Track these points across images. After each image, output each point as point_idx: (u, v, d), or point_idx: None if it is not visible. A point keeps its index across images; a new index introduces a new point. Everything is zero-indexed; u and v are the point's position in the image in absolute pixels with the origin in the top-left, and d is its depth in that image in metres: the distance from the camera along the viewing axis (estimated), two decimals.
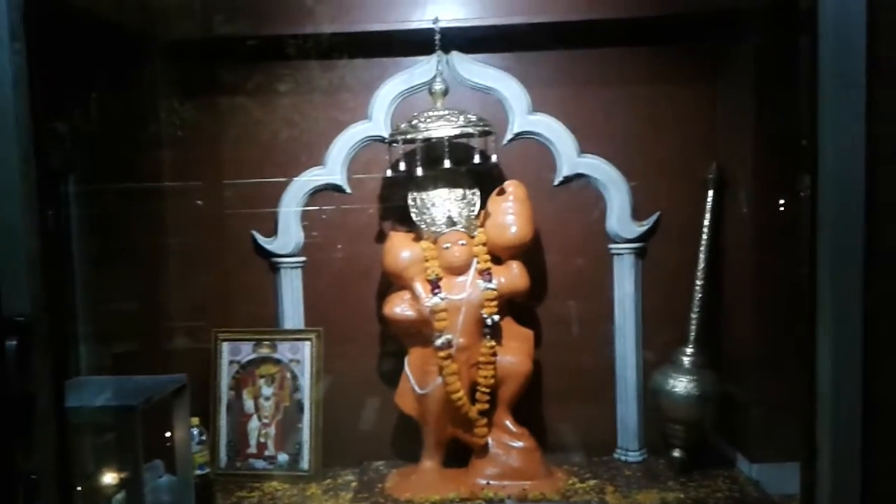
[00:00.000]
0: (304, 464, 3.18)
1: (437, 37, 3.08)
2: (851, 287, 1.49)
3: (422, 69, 3.17)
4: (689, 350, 3.05)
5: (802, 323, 2.65)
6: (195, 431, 2.89)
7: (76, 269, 2.98)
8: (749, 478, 2.98)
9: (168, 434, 2.85)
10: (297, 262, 3.29)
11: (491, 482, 2.94)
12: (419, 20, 3.10)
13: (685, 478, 2.98)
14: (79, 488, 2.67)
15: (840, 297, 1.52)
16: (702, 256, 3.11)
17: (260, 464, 3.21)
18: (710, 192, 3.15)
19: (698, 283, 3.09)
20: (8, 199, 1.45)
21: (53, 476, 1.50)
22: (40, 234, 1.49)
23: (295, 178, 3.25)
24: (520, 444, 3.02)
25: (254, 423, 3.26)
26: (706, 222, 3.14)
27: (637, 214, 3.22)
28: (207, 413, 3.23)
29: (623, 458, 3.22)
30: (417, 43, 3.12)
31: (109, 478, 2.70)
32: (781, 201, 2.94)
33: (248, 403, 3.28)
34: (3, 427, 1.44)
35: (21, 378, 1.46)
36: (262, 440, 3.24)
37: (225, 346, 3.32)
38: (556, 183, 3.23)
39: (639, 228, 3.22)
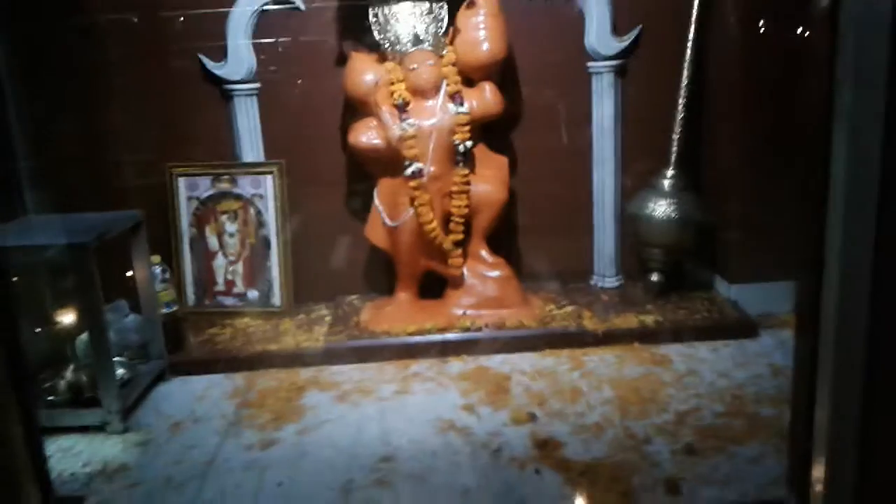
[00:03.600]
0: (276, 300, 3.10)
1: None
2: (874, 96, 1.32)
3: None
4: (669, 173, 2.93)
5: (790, 138, 2.53)
6: (157, 269, 2.76)
7: (13, 110, 2.74)
8: (727, 298, 2.98)
9: (130, 273, 2.73)
10: (251, 89, 3.04)
11: (468, 311, 2.89)
12: None
13: (663, 301, 2.97)
14: (38, 330, 2.58)
15: (861, 109, 1.36)
16: (685, 73, 2.92)
17: (229, 301, 3.12)
18: (696, 2, 2.91)
19: (681, 101, 2.93)
20: None
21: None
22: None
23: None
24: (496, 273, 2.95)
25: (220, 261, 3.13)
26: (691, 35, 2.92)
27: (618, 29, 2.99)
28: (169, 251, 3.09)
29: (600, 284, 3.18)
30: None
31: (71, 319, 2.58)
32: (771, 15, 2.74)
33: (212, 241, 3.14)
34: None
35: None
36: (229, 277, 3.13)
37: (181, 182, 3.13)
38: None
39: (619, 44, 2.99)
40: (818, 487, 1.47)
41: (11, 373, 1.36)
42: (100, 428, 2.40)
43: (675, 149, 2.94)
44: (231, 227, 3.13)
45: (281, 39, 3.02)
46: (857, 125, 1.32)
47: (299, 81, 3.06)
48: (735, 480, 1.91)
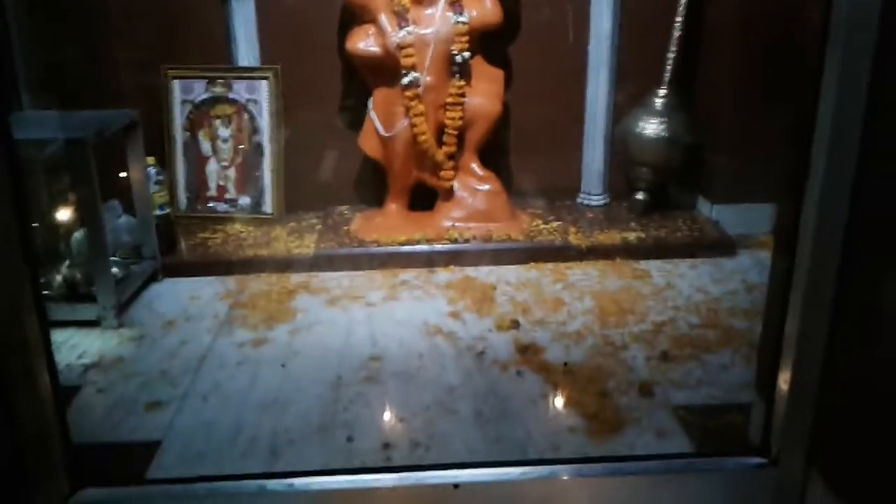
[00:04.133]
0: (267, 207, 3.14)
1: None
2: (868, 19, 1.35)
3: None
4: (661, 92, 2.95)
5: (784, 63, 2.54)
6: (152, 170, 2.78)
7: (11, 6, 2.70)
8: (708, 218, 3.05)
9: (123, 174, 2.75)
10: None
11: (456, 224, 2.95)
12: None
13: (646, 219, 3.03)
14: (35, 225, 2.61)
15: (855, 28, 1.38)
16: None
17: (221, 206, 3.16)
18: None
19: (679, 19, 2.92)
20: None
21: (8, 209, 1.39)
22: None
23: None
24: (486, 186, 3.00)
25: (212, 166, 3.15)
26: None
27: None
28: (163, 155, 3.10)
29: (586, 202, 3.23)
30: None
31: (66, 215, 2.62)
32: None
33: (205, 145, 3.15)
34: None
35: None
36: (221, 183, 3.15)
37: (176, 85, 3.11)
38: None
39: None
40: (783, 389, 1.57)
41: (26, 263, 1.41)
42: (94, 323, 2.46)
43: (669, 68, 2.94)
44: (224, 132, 3.14)
45: None
46: (849, 52, 1.36)
47: None
48: (706, 385, 2.02)
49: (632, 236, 2.89)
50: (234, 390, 2.08)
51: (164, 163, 3.09)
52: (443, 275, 2.75)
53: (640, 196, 3.05)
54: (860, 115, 1.38)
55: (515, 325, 2.37)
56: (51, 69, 2.87)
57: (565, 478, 1.59)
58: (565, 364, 2.14)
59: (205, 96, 3.12)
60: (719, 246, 2.86)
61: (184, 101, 3.13)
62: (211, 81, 3.11)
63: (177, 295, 2.67)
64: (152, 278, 2.77)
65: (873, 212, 1.39)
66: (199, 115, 3.13)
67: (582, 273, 2.72)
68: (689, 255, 2.82)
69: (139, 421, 1.96)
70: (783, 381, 1.57)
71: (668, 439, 1.82)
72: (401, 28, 2.79)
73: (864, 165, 1.38)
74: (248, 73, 3.09)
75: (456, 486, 1.55)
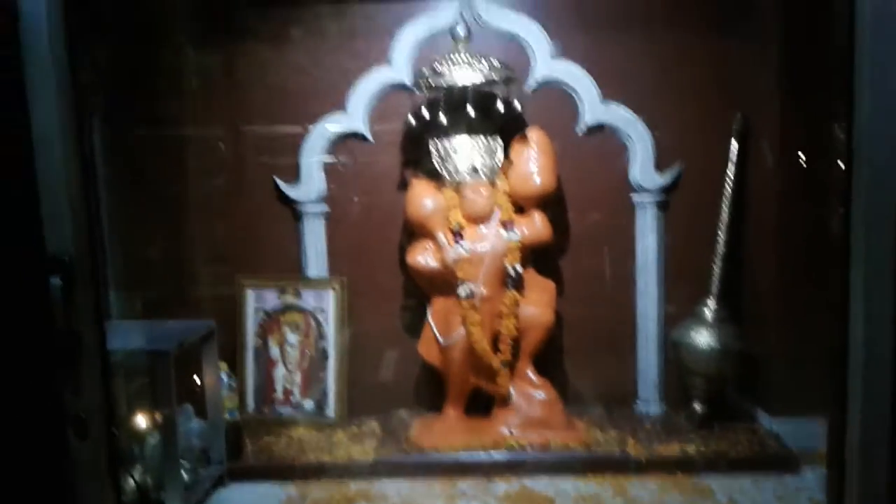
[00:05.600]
0: (330, 411, 3.24)
1: None
2: (886, 239, 1.47)
3: (444, 13, 3.12)
4: (710, 303, 3.05)
5: (826, 276, 2.64)
6: (224, 377, 2.95)
7: (103, 215, 3.01)
8: (769, 431, 3.02)
9: (197, 379, 2.92)
10: (320, 210, 3.30)
11: (514, 431, 2.99)
12: None
13: (705, 431, 3.02)
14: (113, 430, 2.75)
15: (874, 249, 1.50)
16: (725, 208, 3.09)
17: (286, 410, 3.28)
18: (735, 143, 3.12)
19: (721, 235, 3.08)
20: (53, 144, 1.46)
21: (100, 415, 1.54)
22: (83, 177, 1.50)
23: (317, 125, 3.23)
24: (542, 394, 3.06)
25: (280, 370, 3.31)
26: (730, 173, 3.11)
27: (660, 165, 3.20)
28: (233, 360, 3.28)
29: (643, 409, 3.25)
30: None
31: (142, 421, 2.76)
32: (807, 153, 2.91)
33: (274, 351, 3.33)
34: (50, 364, 1.47)
35: (66, 316, 1.49)
36: (287, 387, 3.29)
37: (250, 294, 3.35)
38: (578, 132, 3.20)
39: (661, 179, 3.19)
40: None
41: (110, 468, 1.52)
42: None
43: (716, 280, 3.06)
44: (293, 337, 3.33)
45: (349, 165, 3.29)
46: (871, 267, 1.46)
47: (364, 204, 3.31)
48: None
49: (691, 448, 2.88)
50: None
51: (235, 367, 3.27)
52: (501, 485, 2.76)
53: (697, 407, 3.06)
54: (890, 334, 1.45)
55: None
56: (138, 276, 3.15)
57: None
58: None
59: (276, 305, 3.34)
60: (781, 461, 2.82)
61: (256, 309, 3.35)
62: (282, 291, 3.34)
63: (242, 500, 2.74)
64: (219, 483, 2.84)
65: None
66: (271, 322, 3.34)
67: (641, 486, 2.70)
68: (750, 469, 2.78)
69: None
70: None
71: None
72: (457, 244, 3.01)
73: None
74: (316, 284, 3.32)
75: None
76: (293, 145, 3.26)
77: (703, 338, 2.99)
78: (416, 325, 3.22)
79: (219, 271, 3.37)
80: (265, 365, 3.33)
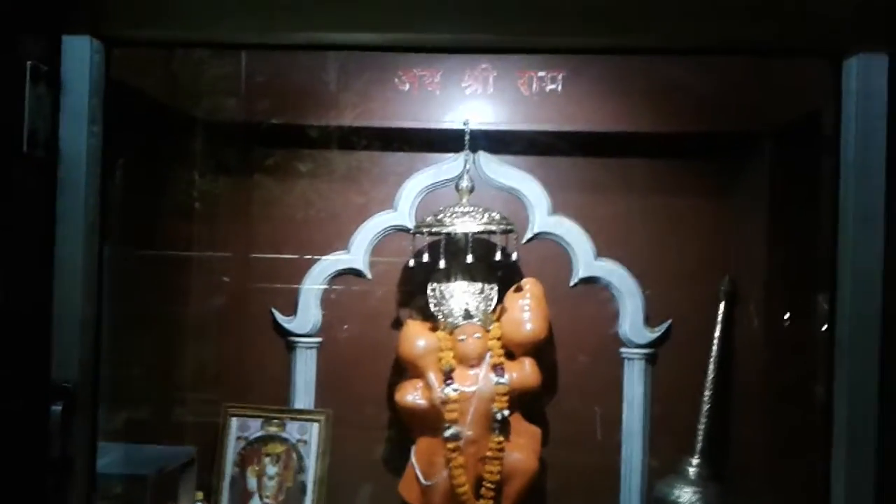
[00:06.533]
0: None
1: (467, 137, 3.23)
2: (867, 413, 1.54)
3: (449, 165, 3.32)
4: (694, 461, 3.06)
5: (810, 441, 2.68)
6: None
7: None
8: None
9: None
10: (314, 343, 3.35)
11: None
12: (451, 121, 3.27)
13: None
14: None
15: (855, 419, 1.57)
16: (711, 367, 3.16)
17: None
18: (722, 304, 3.23)
19: (706, 393, 3.13)
20: (71, 272, 1.54)
21: None
22: (96, 303, 1.57)
23: (319, 260, 3.35)
24: None
25: (255, 502, 3.24)
26: (717, 333, 3.20)
27: (650, 321, 3.29)
28: (210, 486, 3.22)
29: None
30: (447, 140, 3.28)
31: None
32: (792, 319, 3.01)
33: (252, 482, 3.27)
34: (42, 490, 1.48)
35: (61, 442, 1.51)
36: None
37: (233, 422, 3.33)
38: (572, 284, 3.32)
39: (650, 335, 3.28)
40: None
41: None
42: None
43: (700, 438, 3.09)
44: (272, 469, 3.28)
45: (346, 301, 3.37)
46: (852, 442, 1.52)
47: (357, 339, 3.37)
48: None
49: None
50: None
51: (210, 496, 3.20)
52: None
53: None
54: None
55: None
56: (123, 395, 3.13)
57: None
58: None
59: (259, 434, 3.31)
60: None
61: (238, 438, 3.32)
62: (267, 420, 3.33)
63: None
64: None
65: None
66: (251, 451, 3.30)
67: None
68: None
69: None
70: None
71: None
72: (447, 385, 3.04)
73: None
74: (302, 416, 3.31)
75: None
76: (293, 280, 3.35)
77: (686, 496, 2.97)
78: (398, 462, 3.20)
79: (205, 396, 3.37)
80: (241, 496, 3.25)
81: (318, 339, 3.35)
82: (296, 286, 3.34)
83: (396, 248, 3.34)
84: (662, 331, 3.29)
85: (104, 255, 3.06)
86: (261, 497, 3.25)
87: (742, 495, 3.06)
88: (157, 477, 2.59)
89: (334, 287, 3.37)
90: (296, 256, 3.38)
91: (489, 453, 3.01)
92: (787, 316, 3.03)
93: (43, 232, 1.52)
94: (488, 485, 2.99)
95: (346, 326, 3.37)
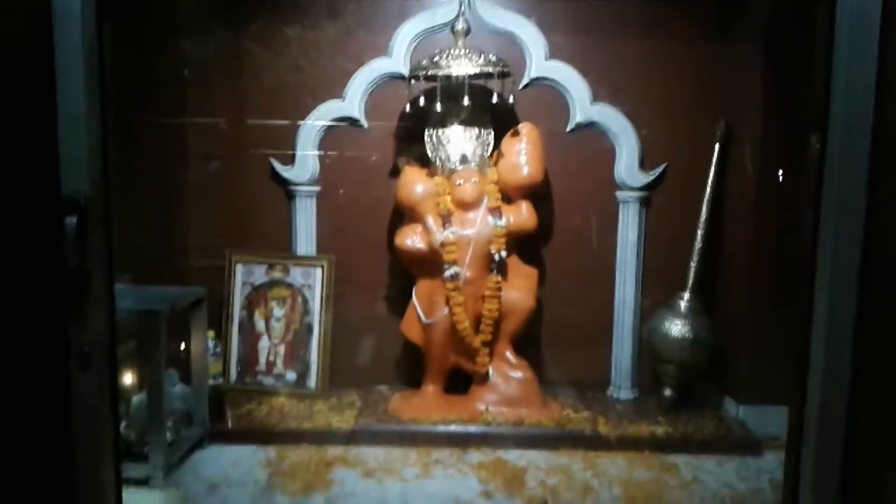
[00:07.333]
0: (311, 383, 3.33)
1: None
2: (852, 244, 1.60)
3: (444, 10, 3.25)
4: (686, 296, 3.19)
5: (795, 276, 2.79)
6: (210, 343, 3.02)
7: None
8: (735, 418, 3.15)
9: (182, 346, 3.00)
10: (312, 191, 3.40)
11: (490, 408, 3.09)
12: None
13: (674, 415, 3.14)
14: None
15: (840, 252, 1.62)
16: (704, 208, 3.23)
17: (269, 380, 3.36)
18: (717, 147, 3.26)
19: (699, 233, 3.22)
20: (73, 85, 1.55)
21: (104, 350, 1.62)
22: (102, 120, 1.59)
23: (315, 111, 3.33)
24: (519, 374, 3.17)
25: (264, 343, 3.39)
26: (711, 175, 3.25)
27: (645, 165, 3.33)
28: (219, 330, 3.36)
29: (616, 395, 3.38)
30: None
31: (128, 379, 2.83)
32: (785, 162, 3.05)
33: (260, 324, 3.41)
34: (59, 300, 1.55)
35: (78, 254, 1.57)
36: (271, 358, 3.38)
37: (239, 268, 3.44)
38: (569, 129, 3.33)
39: (645, 178, 3.33)
40: None
41: (111, 400, 1.61)
42: (143, 482, 2.59)
43: (692, 275, 3.20)
44: (279, 312, 3.41)
45: (343, 150, 3.39)
46: (837, 262, 1.59)
47: (355, 187, 3.41)
48: None
49: (660, 430, 3.00)
50: None
51: (220, 337, 3.35)
52: (475, 455, 2.86)
53: (667, 393, 3.18)
54: (851, 322, 1.58)
55: None
56: (128, 247, 3.21)
57: None
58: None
59: (264, 280, 3.43)
60: (745, 445, 2.94)
61: (244, 283, 3.44)
62: (271, 267, 3.43)
63: (222, 461, 2.80)
64: (199, 444, 2.91)
65: (870, 408, 1.54)
66: (258, 296, 3.42)
67: (611, 462, 2.81)
68: (715, 451, 2.90)
69: None
70: None
71: None
72: (445, 228, 3.11)
73: (858, 373, 1.56)
74: (304, 261, 3.41)
75: None
76: (290, 130, 3.36)
77: (676, 328, 3.12)
78: (399, 305, 3.32)
79: (210, 246, 3.45)
80: (250, 337, 3.41)
81: (317, 188, 3.40)
82: (293, 137, 3.35)
83: (392, 96, 3.32)
84: (657, 174, 3.34)
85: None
86: (269, 338, 3.40)
87: (728, 328, 3.20)
88: (170, 313, 2.69)
89: (331, 137, 3.37)
90: (292, 104, 3.36)
91: (487, 292, 3.12)
92: (782, 160, 3.07)
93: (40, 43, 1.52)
94: (487, 321, 3.12)
95: (352, 178, 3.40)
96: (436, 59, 3.06)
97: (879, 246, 1.58)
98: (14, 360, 1.50)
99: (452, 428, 2.99)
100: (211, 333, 3.05)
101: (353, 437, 2.95)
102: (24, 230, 1.53)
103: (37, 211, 1.55)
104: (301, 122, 3.35)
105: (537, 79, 3.30)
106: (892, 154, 1.56)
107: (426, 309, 3.17)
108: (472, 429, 2.99)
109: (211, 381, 3.03)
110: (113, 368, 1.66)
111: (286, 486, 2.60)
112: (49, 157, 1.56)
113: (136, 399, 2.80)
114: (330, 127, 3.37)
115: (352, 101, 3.33)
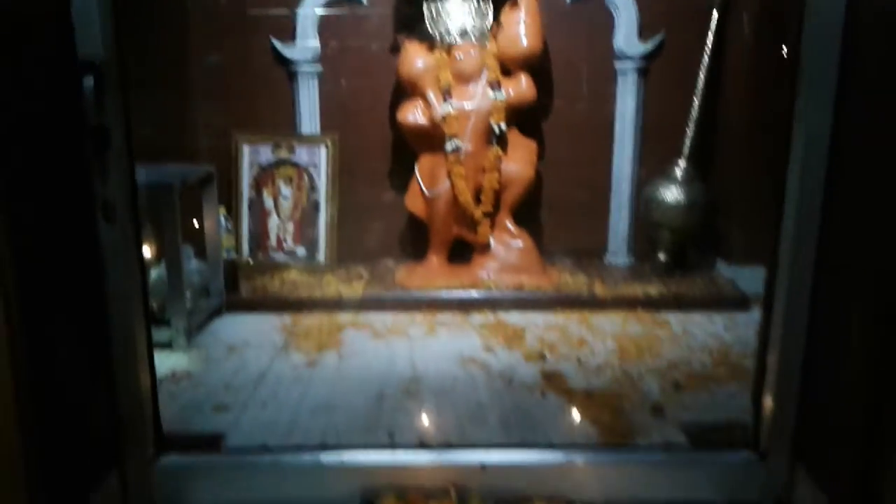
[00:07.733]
0: (321, 257, 3.48)
1: None
2: (823, 117, 1.68)
3: None
4: (681, 163, 3.27)
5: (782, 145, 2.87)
6: (222, 219, 3.15)
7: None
8: (725, 277, 3.30)
9: (195, 223, 3.12)
10: (314, 70, 3.43)
11: (491, 275, 3.24)
12: None
13: (667, 277, 3.28)
14: None
15: (812, 124, 1.71)
16: (701, 77, 3.26)
17: (279, 256, 3.50)
18: (715, 14, 3.25)
19: (696, 101, 3.26)
20: None
21: (126, 201, 1.74)
22: None
23: None
24: (519, 243, 3.30)
25: (273, 220, 3.52)
26: (709, 44, 3.26)
27: (643, 34, 3.34)
28: (229, 210, 3.47)
29: (612, 261, 3.52)
30: None
31: (147, 253, 2.97)
32: (782, 29, 3.05)
33: (268, 202, 3.52)
34: (83, 155, 1.65)
35: (97, 113, 1.66)
36: (280, 235, 3.51)
37: (245, 149, 3.52)
38: (567, 0, 3.33)
39: (643, 46, 3.34)
40: (767, 411, 1.81)
41: (136, 247, 1.74)
42: (166, 345, 2.77)
43: (688, 143, 3.27)
44: (286, 190, 3.52)
45: (343, 27, 3.41)
46: (810, 131, 1.68)
47: (356, 64, 3.44)
48: (711, 409, 2.23)
49: (653, 290, 3.15)
50: (290, 399, 2.35)
51: (230, 215, 3.47)
52: (477, 317, 3.02)
53: (661, 256, 3.31)
54: (820, 188, 1.69)
55: (542, 357, 2.62)
56: (137, 125, 3.28)
57: (578, 463, 1.82)
58: (543, 394, 2.35)
59: (271, 160, 3.52)
60: (734, 301, 3.10)
61: (251, 163, 3.53)
62: (276, 146, 3.51)
63: (239, 326, 2.98)
64: (217, 312, 3.08)
65: (834, 266, 1.67)
66: (265, 175, 3.52)
67: (605, 319, 2.98)
68: (705, 308, 3.06)
69: (207, 419, 2.23)
70: (766, 404, 1.81)
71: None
72: (446, 102, 3.17)
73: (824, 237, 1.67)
74: (309, 141, 3.49)
75: (483, 467, 1.79)
76: (290, 4, 3.36)
77: (671, 193, 3.22)
78: (402, 180, 3.42)
79: (216, 127, 3.51)
80: (259, 215, 3.53)
81: (318, 67, 3.43)
82: (292, 15, 3.35)
83: None
84: (655, 44, 3.35)
85: None
86: (278, 215, 3.53)
87: (722, 193, 3.30)
88: (182, 188, 2.80)
89: (331, 14, 3.38)
90: None
91: (488, 164, 3.21)
92: (779, 28, 3.06)
93: None
94: (487, 192, 3.23)
95: (353, 54, 3.42)
96: None
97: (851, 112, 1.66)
98: (46, 212, 1.60)
99: (456, 294, 3.15)
100: (223, 209, 3.17)
101: (361, 305, 3.11)
102: (47, 91, 1.61)
103: (58, 73, 1.63)
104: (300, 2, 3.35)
105: None
106: (868, 31, 1.61)
107: (428, 182, 3.27)
108: (474, 294, 3.15)
109: (224, 255, 3.17)
110: (136, 220, 1.79)
111: (301, 345, 2.77)
112: (64, 24, 1.63)
113: (154, 272, 2.95)
114: (329, 4, 3.37)
115: None
